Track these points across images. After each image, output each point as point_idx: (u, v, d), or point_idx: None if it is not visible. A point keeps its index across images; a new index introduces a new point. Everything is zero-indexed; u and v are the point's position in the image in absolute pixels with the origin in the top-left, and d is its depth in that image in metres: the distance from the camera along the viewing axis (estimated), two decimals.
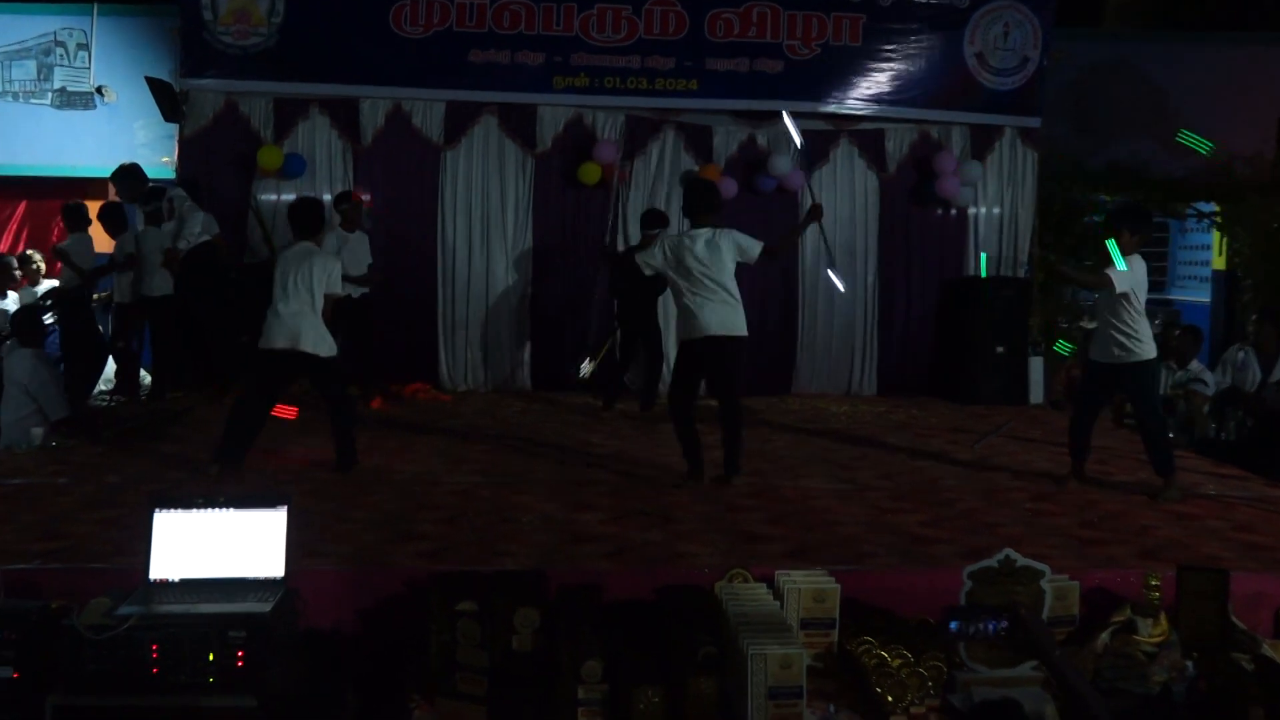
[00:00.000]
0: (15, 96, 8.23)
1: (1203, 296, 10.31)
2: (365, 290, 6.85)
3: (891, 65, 7.72)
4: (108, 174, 7.34)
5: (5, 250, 8.40)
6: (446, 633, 3.03)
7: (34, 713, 2.68)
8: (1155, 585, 3.32)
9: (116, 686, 2.69)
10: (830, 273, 6.91)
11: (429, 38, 7.42)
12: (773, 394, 7.67)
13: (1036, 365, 7.82)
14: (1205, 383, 6.69)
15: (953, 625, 2.31)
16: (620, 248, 7.42)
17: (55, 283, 7.60)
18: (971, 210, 8.01)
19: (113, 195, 7.62)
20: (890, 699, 2.99)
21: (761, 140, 7.79)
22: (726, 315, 4.72)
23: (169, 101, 7.41)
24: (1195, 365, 6.82)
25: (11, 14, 8.20)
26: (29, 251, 8.06)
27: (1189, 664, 3.18)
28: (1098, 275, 4.85)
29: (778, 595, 3.30)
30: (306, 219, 5.00)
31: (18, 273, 7.79)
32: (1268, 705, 2.97)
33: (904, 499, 4.68)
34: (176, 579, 2.96)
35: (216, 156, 7.46)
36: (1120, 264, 4.64)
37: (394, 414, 6.55)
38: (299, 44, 7.38)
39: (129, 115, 8.19)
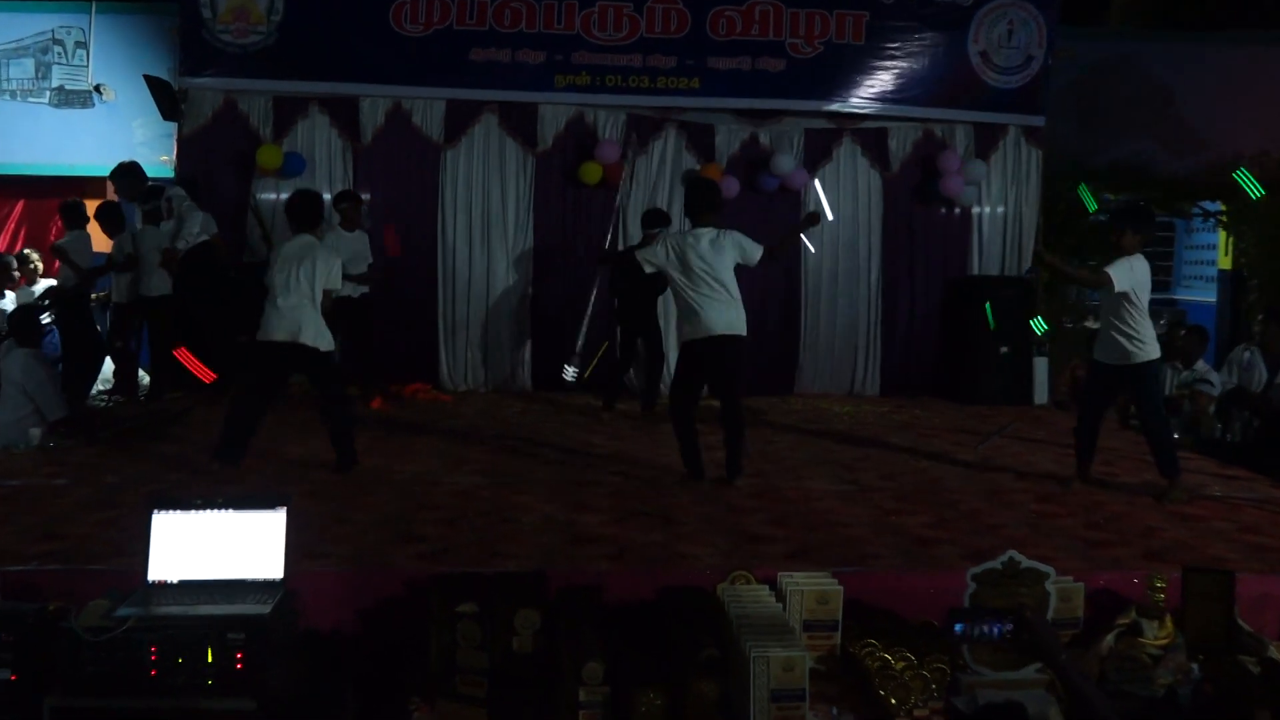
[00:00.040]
0: (13, 95, 8.20)
1: (1208, 296, 10.27)
2: (365, 290, 6.84)
3: (895, 63, 7.69)
4: (106, 173, 7.32)
5: (3, 249, 8.37)
6: (447, 634, 3.03)
7: (32, 715, 2.67)
8: (1160, 587, 3.29)
9: (115, 689, 2.68)
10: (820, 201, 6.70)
11: (429, 36, 7.40)
12: (775, 394, 7.65)
13: (1041, 365, 7.79)
14: (1211, 383, 6.66)
15: (958, 627, 2.30)
16: (620, 247, 7.40)
17: (53, 282, 7.59)
18: (975, 209, 7.98)
19: (111, 194, 7.61)
20: (894, 701, 2.99)
21: (764, 139, 7.77)
22: (730, 315, 4.72)
23: (168, 100, 7.39)
24: (1201, 365, 6.79)
25: (9, 12, 8.17)
26: (26, 250, 8.05)
27: (1194, 666, 3.17)
28: (1097, 273, 4.82)
29: (780, 597, 3.28)
30: (305, 212, 4.99)
31: (16, 274, 7.79)
32: (1274, 708, 2.95)
33: (907, 500, 4.66)
34: (175, 580, 2.95)
35: (215, 155, 7.45)
36: (1090, 204, 4.58)
37: (394, 414, 6.54)
38: (298, 42, 7.37)
39: (127, 114, 8.16)
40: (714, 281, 4.68)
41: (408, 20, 7.39)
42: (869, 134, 7.84)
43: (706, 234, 4.75)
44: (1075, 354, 7.74)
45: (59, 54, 8.18)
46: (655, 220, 6.59)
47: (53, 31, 8.18)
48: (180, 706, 2.70)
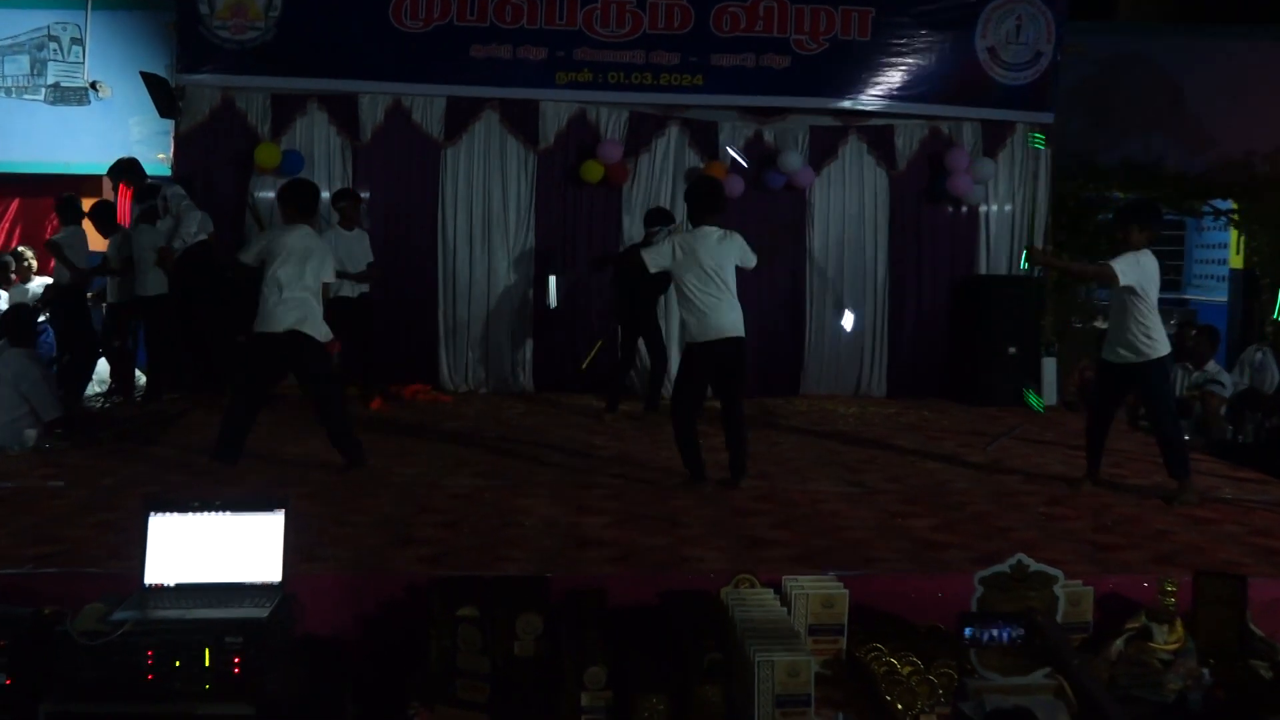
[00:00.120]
0: (8, 92, 8.19)
1: (1220, 296, 10.20)
2: (365, 290, 6.81)
3: (901, 60, 7.63)
4: (102, 171, 7.30)
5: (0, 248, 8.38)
6: (447, 639, 3.01)
7: None
8: (1171, 591, 3.27)
9: (111, 694, 2.66)
10: (845, 317, 6.88)
11: (429, 32, 7.36)
12: (780, 395, 7.62)
13: (1049, 366, 7.73)
14: (1222, 384, 6.62)
15: (967, 632, 2.28)
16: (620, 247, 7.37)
17: (49, 280, 7.55)
18: (983, 208, 7.93)
19: (107, 193, 7.58)
20: (900, 707, 2.96)
21: (768, 137, 7.73)
22: (736, 316, 4.73)
23: (164, 97, 7.35)
24: (1212, 366, 6.75)
25: (4, 8, 8.15)
26: (20, 248, 8.02)
27: (1205, 671, 3.14)
28: (1101, 267, 4.76)
29: (785, 601, 3.26)
30: (306, 200, 4.91)
31: (13, 275, 7.77)
32: None
33: (914, 502, 4.63)
34: (172, 584, 2.93)
35: (213, 153, 7.41)
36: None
37: (394, 415, 6.51)
38: (297, 38, 7.33)
39: (124, 111, 8.13)
40: (721, 282, 4.67)
41: (407, 16, 7.35)
42: (875, 132, 7.78)
43: (713, 233, 4.72)
44: (1084, 354, 7.68)
45: (54, 50, 8.17)
46: (658, 219, 6.55)
47: (48, 28, 8.16)
48: (177, 711, 2.68)
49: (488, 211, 7.57)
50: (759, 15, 7.50)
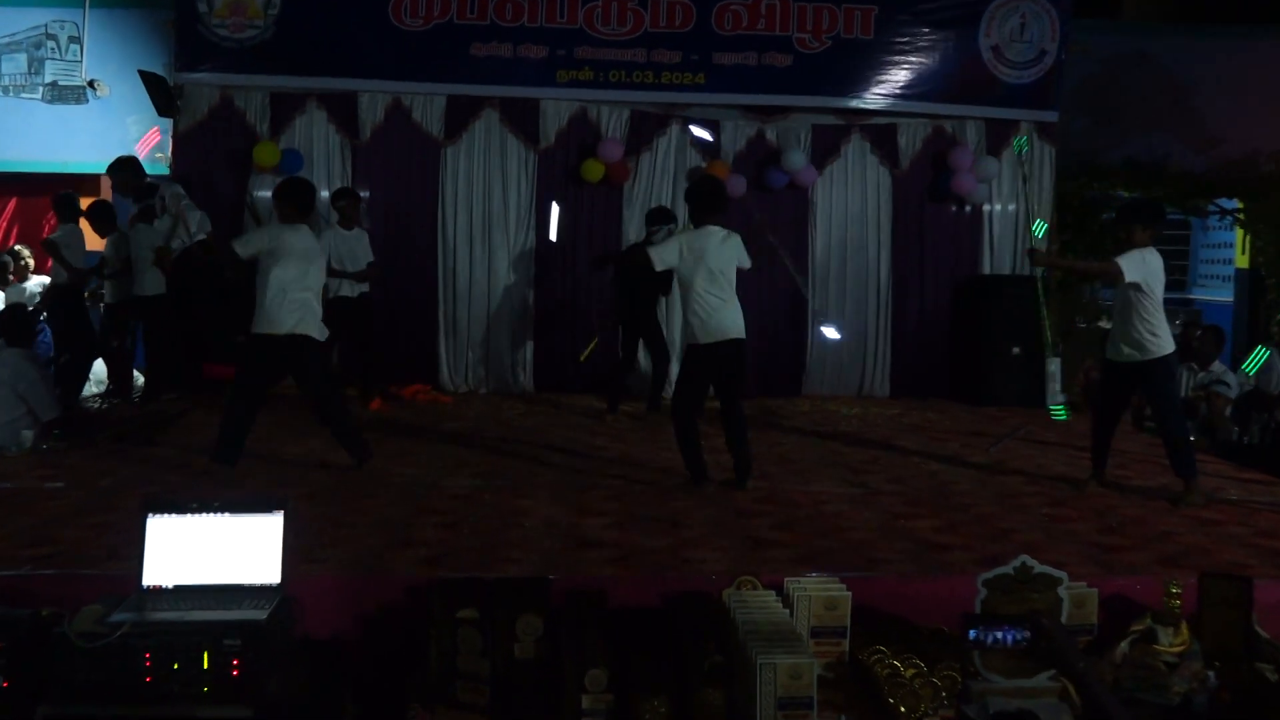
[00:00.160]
0: (5, 90, 8.17)
1: (1225, 296, 10.17)
2: (365, 289, 6.79)
3: (905, 58, 7.61)
4: (99, 170, 7.27)
5: None
6: (447, 640, 2.99)
7: None
8: (1176, 593, 3.24)
9: (109, 696, 2.65)
10: (823, 329, 6.81)
11: (429, 30, 7.34)
12: (783, 395, 7.60)
13: (1054, 366, 7.69)
14: (1228, 384, 6.58)
15: (972, 633, 2.26)
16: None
17: (47, 279, 7.53)
18: (986, 207, 7.90)
19: (105, 192, 7.55)
20: (903, 710, 2.94)
21: (771, 135, 7.71)
22: (740, 317, 4.73)
23: (163, 96, 7.33)
24: (1217, 366, 6.71)
25: (2, 6, 8.12)
26: (17, 247, 7.99)
27: (1211, 674, 3.12)
28: (1104, 264, 4.73)
29: (787, 603, 3.24)
30: (305, 198, 4.88)
31: (11, 275, 7.76)
32: None
33: (917, 504, 4.61)
34: (170, 585, 2.92)
35: (212, 152, 7.40)
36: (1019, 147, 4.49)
37: (393, 416, 6.49)
38: (296, 37, 7.31)
39: (122, 110, 8.10)
40: (727, 283, 4.67)
41: (407, 14, 7.34)
42: (878, 130, 7.76)
43: (718, 233, 4.72)
44: (1089, 354, 7.65)
45: (52, 49, 8.14)
46: (659, 218, 6.53)
47: (46, 26, 8.13)
48: (175, 714, 2.67)
49: (488, 211, 7.55)
50: (761, 13, 7.48)
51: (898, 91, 7.64)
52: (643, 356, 7.05)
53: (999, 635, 2.25)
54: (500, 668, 2.96)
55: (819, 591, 3.24)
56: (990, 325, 7.57)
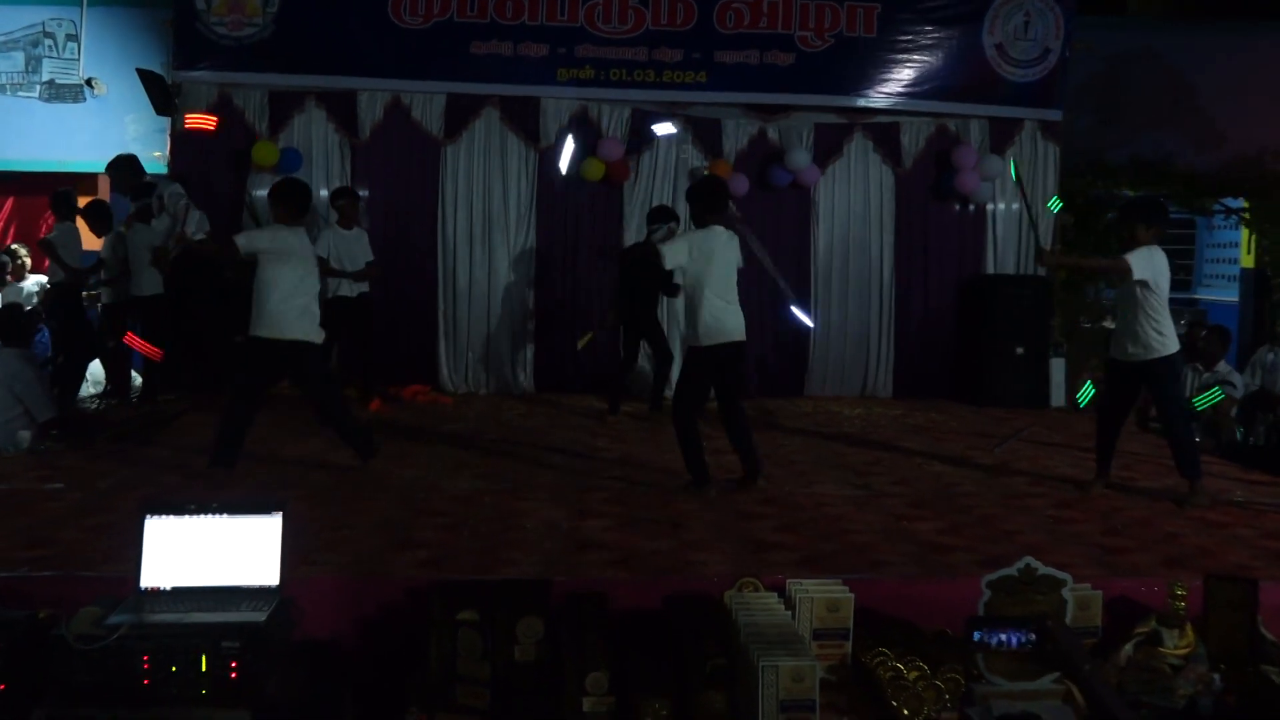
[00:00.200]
0: (2, 89, 8.13)
1: (1230, 296, 10.12)
2: (364, 289, 6.78)
3: (908, 56, 7.59)
4: (97, 169, 7.25)
5: None
6: (447, 643, 2.98)
7: None
8: (1181, 595, 3.22)
9: (106, 698, 2.63)
10: (794, 309, 6.77)
11: (429, 28, 7.33)
12: (785, 396, 7.58)
13: (1058, 367, 7.68)
14: (1233, 385, 6.55)
15: (976, 635, 2.24)
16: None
17: (44, 278, 7.51)
18: (990, 206, 7.88)
19: (102, 191, 7.52)
20: (906, 713, 2.93)
21: (773, 134, 7.68)
22: (741, 319, 4.72)
23: (161, 94, 7.30)
24: (1223, 367, 6.68)
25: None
26: (14, 246, 7.98)
27: (1216, 677, 3.10)
28: (1113, 261, 4.71)
29: (789, 605, 3.23)
30: (304, 200, 4.86)
31: (8, 274, 7.75)
32: None
33: (920, 505, 4.59)
34: (168, 587, 2.90)
35: (210, 151, 7.37)
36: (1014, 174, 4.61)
37: (393, 417, 6.47)
38: (295, 35, 7.30)
39: (119, 108, 8.08)
40: (731, 285, 4.66)
41: (407, 12, 7.32)
42: (881, 129, 7.74)
43: (723, 234, 4.70)
44: (1094, 355, 7.62)
45: (49, 47, 8.11)
46: (660, 217, 6.50)
47: (43, 24, 8.11)
48: (173, 717, 2.65)
49: (488, 210, 7.53)
50: (763, 11, 7.46)
51: (901, 90, 7.62)
52: (643, 357, 7.03)
53: (1004, 638, 2.22)
54: (500, 670, 2.94)
55: (821, 594, 3.22)
56: (994, 325, 7.55)
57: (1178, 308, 6.95)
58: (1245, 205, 9.16)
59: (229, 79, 7.34)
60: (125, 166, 6.84)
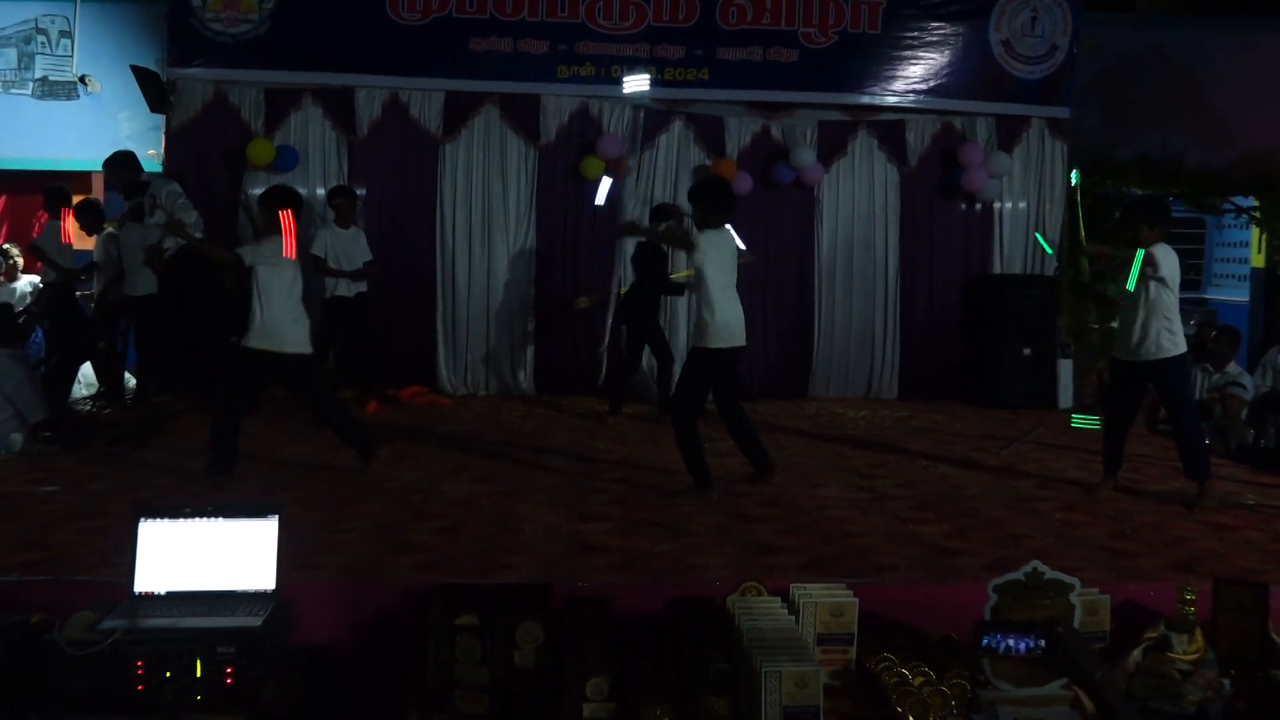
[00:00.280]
0: None
1: (1241, 296, 10.07)
2: (362, 289, 6.74)
3: (913, 53, 7.53)
4: (90, 166, 7.21)
5: None
6: (445, 648, 2.96)
7: None
8: (1190, 600, 3.19)
9: (100, 704, 2.62)
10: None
11: (427, 24, 7.27)
12: (788, 398, 7.55)
13: (1065, 368, 7.63)
14: (1244, 386, 6.50)
15: (985, 640, 2.22)
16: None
17: (36, 279, 7.46)
18: (996, 205, 7.82)
19: (96, 189, 7.48)
20: (911, 719, 2.88)
21: (776, 132, 7.64)
22: (743, 321, 4.71)
23: (155, 92, 7.23)
24: (1233, 368, 6.62)
25: None
26: (7, 245, 7.94)
27: (1226, 682, 3.06)
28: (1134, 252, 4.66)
29: (793, 610, 3.20)
30: (298, 206, 4.81)
31: (1, 275, 7.73)
32: None
33: (926, 508, 4.56)
34: (163, 592, 2.89)
35: (205, 149, 7.33)
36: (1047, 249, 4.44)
37: (391, 418, 6.43)
38: (291, 31, 7.24)
39: (113, 106, 8.02)
40: (733, 286, 4.63)
41: (405, 8, 7.26)
42: (886, 126, 7.69)
43: (730, 235, 4.68)
44: (1101, 356, 7.56)
45: (42, 44, 8.05)
46: (663, 215, 6.47)
47: (36, 20, 8.05)
48: None
49: (487, 208, 7.48)
50: (766, 8, 7.41)
51: (906, 87, 7.56)
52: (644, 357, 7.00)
53: (1012, 643, 2.19)
54: (500, 675, 2.92)
55: (825, 598, 3.20)
56: (1001, 326, 7.50)
57: (1187, 308, 6.90)
58: (1255, 204, 9.10)
59: (224, 76, 7.29)
60: (123, 163, 6.79)
